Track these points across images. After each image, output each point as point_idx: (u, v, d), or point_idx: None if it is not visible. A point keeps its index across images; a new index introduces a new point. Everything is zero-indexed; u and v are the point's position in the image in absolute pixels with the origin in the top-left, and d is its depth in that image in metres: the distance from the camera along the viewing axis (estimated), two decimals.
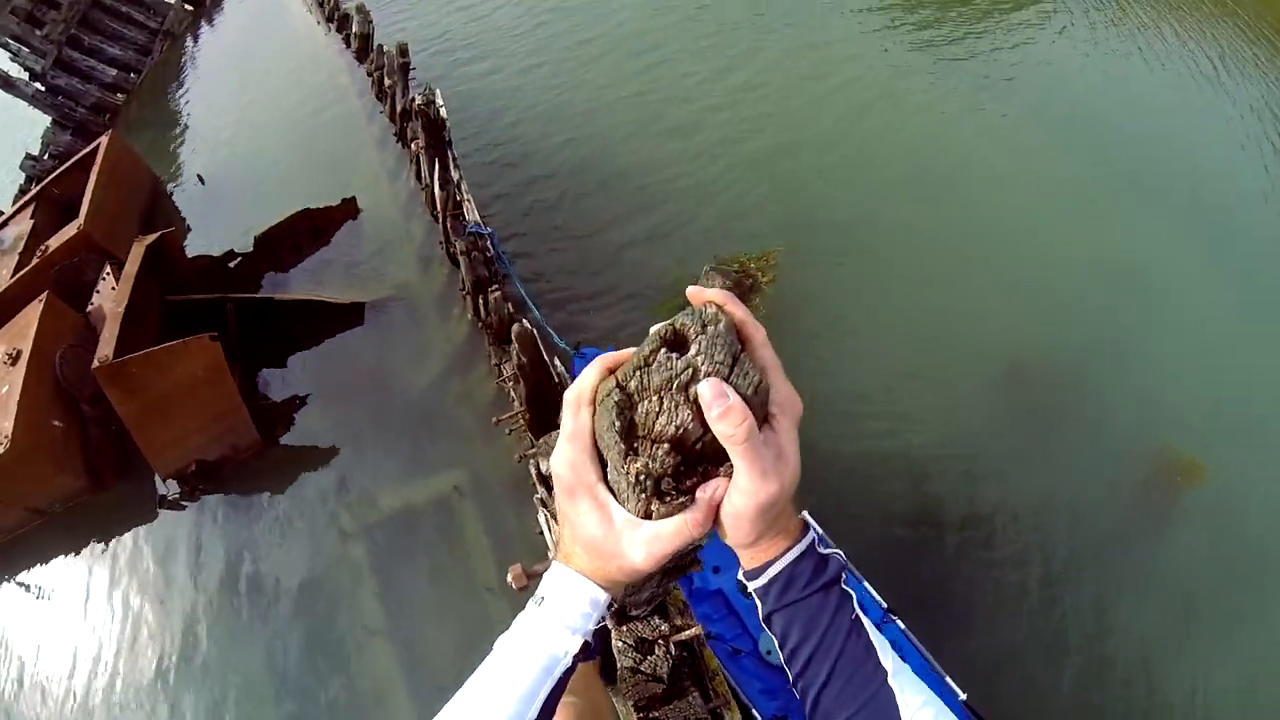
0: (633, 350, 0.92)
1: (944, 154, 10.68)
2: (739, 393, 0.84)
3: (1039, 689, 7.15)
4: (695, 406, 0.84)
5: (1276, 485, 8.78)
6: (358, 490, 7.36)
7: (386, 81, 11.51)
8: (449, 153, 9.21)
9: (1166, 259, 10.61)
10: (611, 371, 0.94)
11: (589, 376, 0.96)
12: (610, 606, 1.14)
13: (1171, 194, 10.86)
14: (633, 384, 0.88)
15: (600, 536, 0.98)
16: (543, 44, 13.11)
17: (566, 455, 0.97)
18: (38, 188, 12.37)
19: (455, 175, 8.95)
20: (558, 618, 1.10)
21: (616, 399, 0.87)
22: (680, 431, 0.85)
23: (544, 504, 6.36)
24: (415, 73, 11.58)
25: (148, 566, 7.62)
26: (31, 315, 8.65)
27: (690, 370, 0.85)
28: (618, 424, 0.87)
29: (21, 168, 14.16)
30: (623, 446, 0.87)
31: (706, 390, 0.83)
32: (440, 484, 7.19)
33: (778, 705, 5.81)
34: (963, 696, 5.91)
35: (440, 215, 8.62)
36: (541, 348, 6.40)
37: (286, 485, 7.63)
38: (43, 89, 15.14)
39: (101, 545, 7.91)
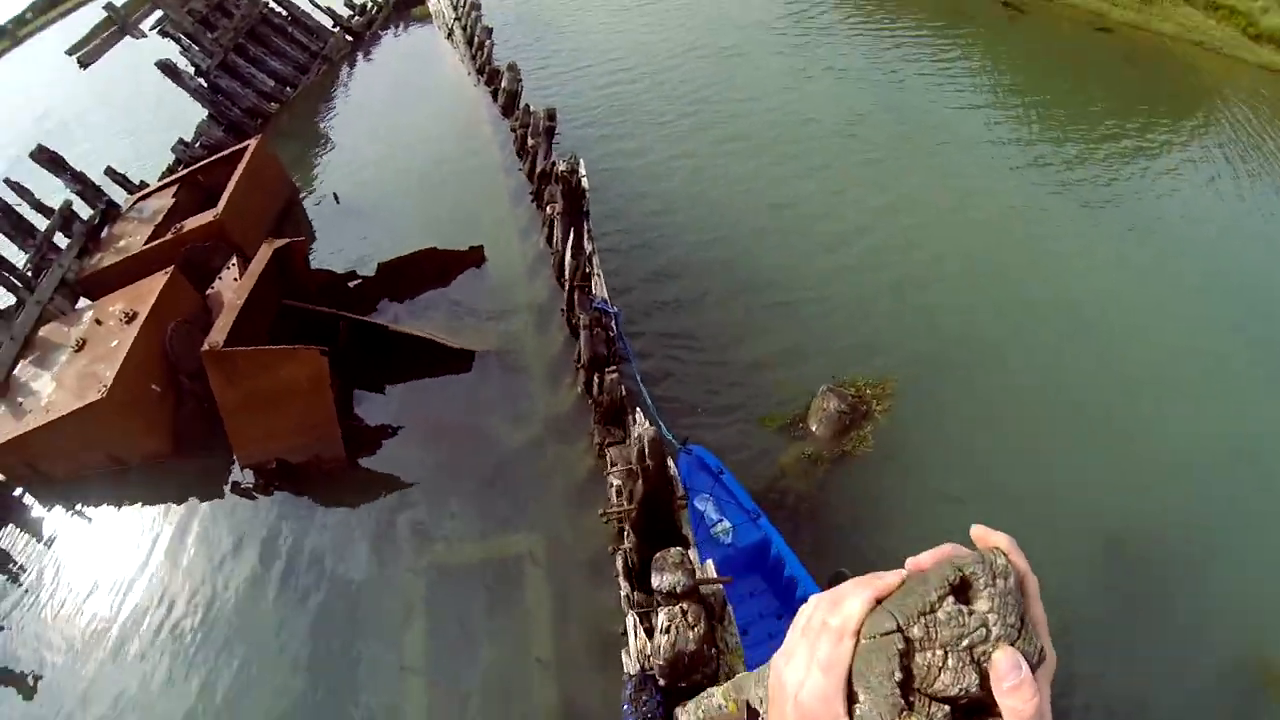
0: (894, 576, 0.87)
1: (1078, 303, 10.40)
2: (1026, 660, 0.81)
3: None
4: (981, 669, 0.81)
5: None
6: (428, 527, 7.17)
7: (530, 141, 11.85)
8: (585, 223, 9.28)
9: None
10: (878, 601, 0.86)
11: (856, 606, 0.87)
12: None
13: None
14: (915, 630, 0.83)
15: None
16: (687, 135, 13.41)
17: (819, 687, 0.89)
18: (185, 170, 13.01)
19: (589, 247, 8.98)
20: None
21: (900, 647, 0.83)
22: (963, 694, 0.81)
23: (631, 604, 5.99)
24: (559, 138, 11.91)
25: (211, 537, 7.71)
26: (155, 284, 8.95)
27: (984, 629, 0.81)
28: (898, 675, 0.83)
29: (173, 150, 14.89)
30: (899, 699, 0.83)
31: (1003, 661, 0.80)
32: (515, 544, 6.90)
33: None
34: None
35: (567, 283, 8.60)
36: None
37: (359, 504, 7.55)
38: (205, 85, 16.10)
39: (172, 505, 8.12)
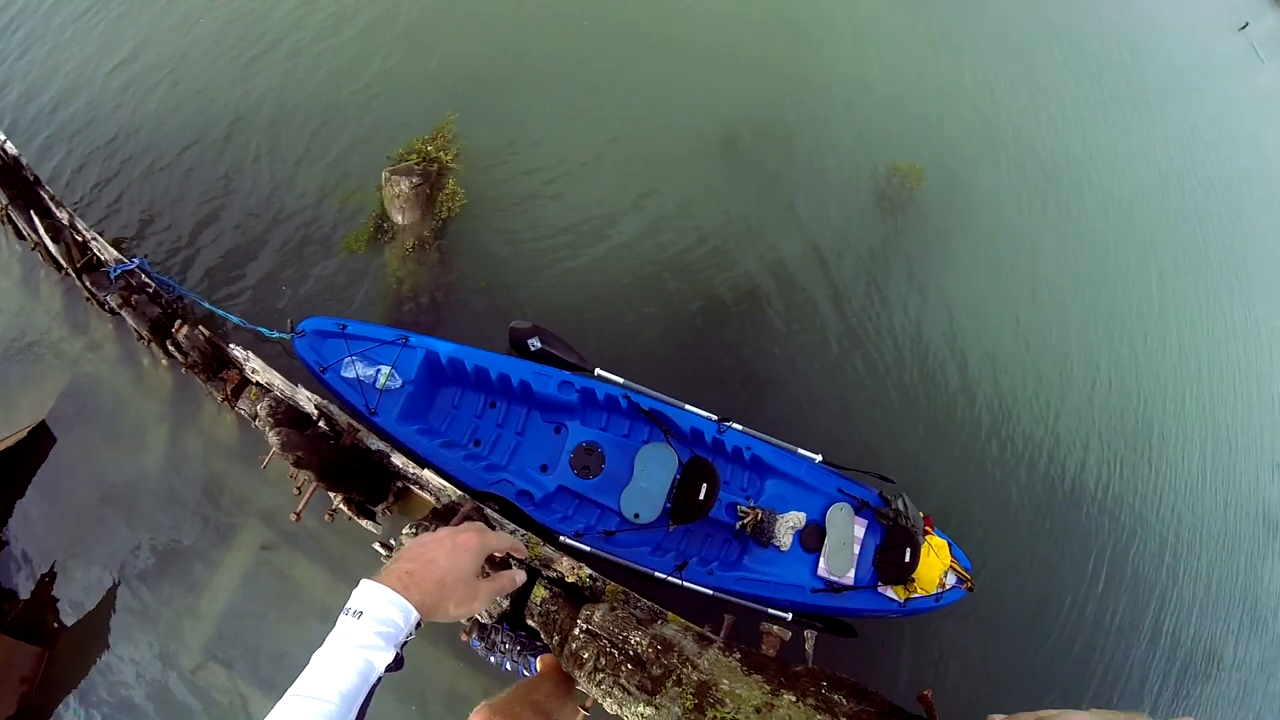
0: None
1: None
2: None
3: (862, 419, 7.91)
4: None
5: (974, 162, 9.94)
6: (180, 610, 6.38)
7: None
8: (43, 192, 7.39)
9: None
10: None
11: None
12: (419, 626, 1.63)
13: None
14: None
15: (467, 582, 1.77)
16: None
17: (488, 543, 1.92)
18: None
19: (64, 216, 7.25)
20: (376, 631, 1.53)
21: None
22: None
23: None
24: None
25: None
26: None
27: None
28: None
29: None
30: None
31: None
32: (246, 549, 6.45)
33: (673, 556, 6.00)
34: (819, 458, 6.37)
35: (71, 270, 7.04)
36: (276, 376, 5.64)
37: (106, 670, 6.23)
38: None
39: None
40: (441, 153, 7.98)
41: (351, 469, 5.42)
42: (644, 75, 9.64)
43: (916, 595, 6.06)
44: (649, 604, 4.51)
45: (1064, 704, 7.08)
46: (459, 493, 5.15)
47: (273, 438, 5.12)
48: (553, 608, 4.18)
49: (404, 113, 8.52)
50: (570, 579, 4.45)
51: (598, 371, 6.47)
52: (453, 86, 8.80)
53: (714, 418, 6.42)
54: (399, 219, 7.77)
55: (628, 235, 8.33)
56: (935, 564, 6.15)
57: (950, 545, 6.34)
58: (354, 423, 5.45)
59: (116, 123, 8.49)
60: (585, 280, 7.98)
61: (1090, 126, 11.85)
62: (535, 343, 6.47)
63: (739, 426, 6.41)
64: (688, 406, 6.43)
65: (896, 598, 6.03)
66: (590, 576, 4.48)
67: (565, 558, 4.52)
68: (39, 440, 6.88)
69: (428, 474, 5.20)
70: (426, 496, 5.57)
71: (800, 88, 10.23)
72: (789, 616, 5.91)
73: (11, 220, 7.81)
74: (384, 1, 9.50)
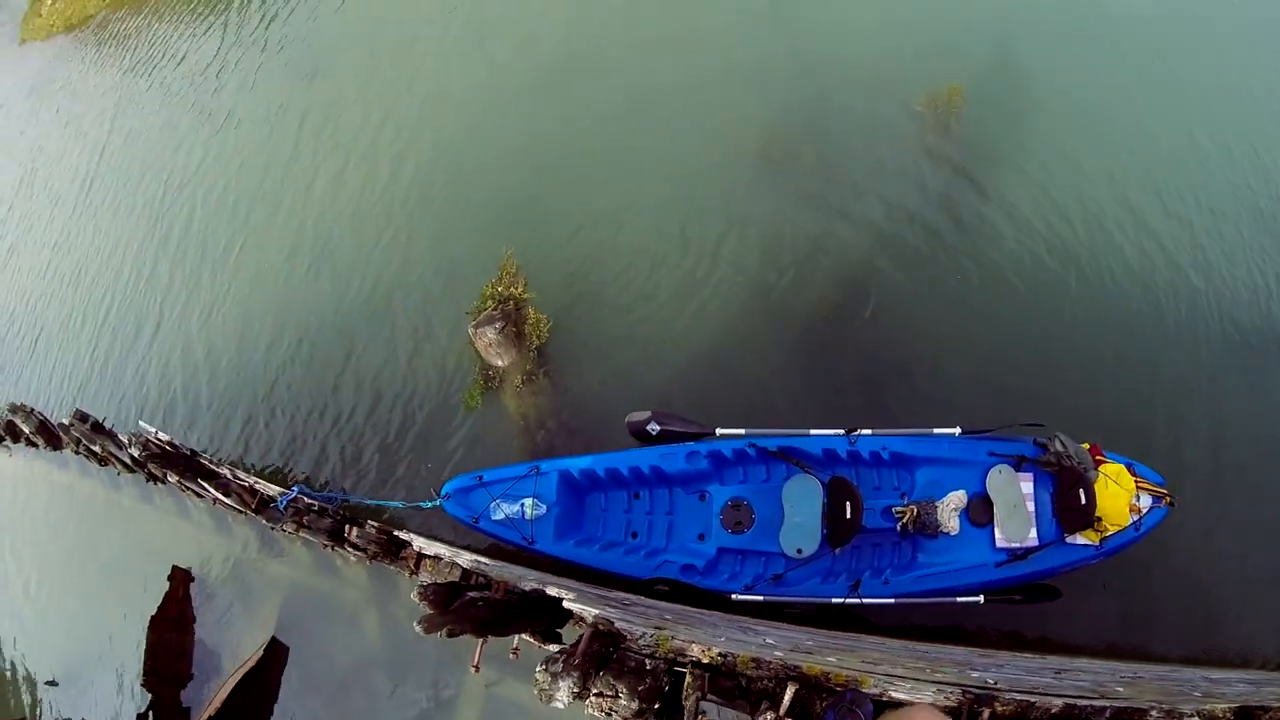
0: None
1: None
2: None
3: (989, 364, 7.60)
4: None
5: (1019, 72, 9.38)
6: None
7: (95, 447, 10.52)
8: (202, 461, 8.61)
9: None
10: None
11: None
12: None
13: None
14: None
15: None
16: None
17: None
18: None
19: (226, 472, 8.39)
20: None
21: None
22: None
23: None
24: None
25: None
26: None
27: None
28: None
29: None
30: None
31: None
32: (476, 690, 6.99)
33: (845, 578, 6.03)
34: (957, 431, 6.27)
35: (249, 510, 8.12)
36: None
37: None
38: None
39: None
40: (513, 289, 8.57)
41: (512, 614, 5.83)
42: (659, 127, 9.90)
43: (1111, 532, 5.72)
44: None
45: None
46: (593, 610, 4.92)
47: (417, 628, 5.44)
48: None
49: (465, 266, 9.29)
50: (705, 660, 4.29)
51: (718, 431, 6.71)
52: (499, 224, 9.47)
53: (841, 431, 6.46)
54: (500, 363, 8.43)
55: (706, 287, 8.58)
56: (1119, 492, 5.73)
57: (1131, 466, 5.90)
58: (504, 576, 5.91)
59: (228, 375, 9.88)
60: (683, 345, 8.30)
61: None
62: (654, 427, 6.80)
63: (868, 431, 6.41)
64: (812, 431, 6.53)
65: (1090, 542, 5.73)
66: (720, 654, 4.27)
67: (694, 644, 4.34)
68: (275, 653, 7.89)
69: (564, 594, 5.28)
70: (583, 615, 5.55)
71: (802, 76, 10.05)
72: (980, 599, 5.78)
73: (189, 488, 9.13)
74: (406, 182, 10.45)
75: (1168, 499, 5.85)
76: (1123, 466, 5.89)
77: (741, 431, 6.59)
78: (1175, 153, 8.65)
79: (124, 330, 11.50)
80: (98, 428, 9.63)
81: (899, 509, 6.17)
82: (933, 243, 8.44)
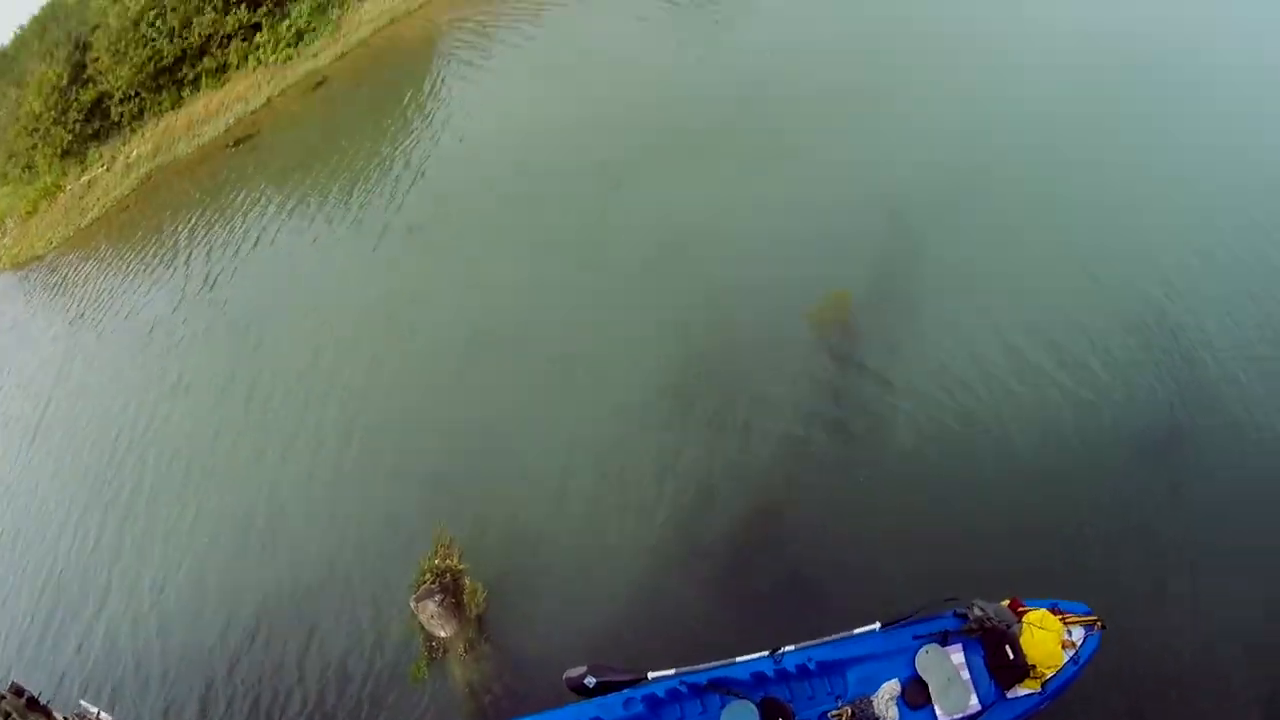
0: None
1: None
2: None
3: (891, 554, 8.13)
4: None
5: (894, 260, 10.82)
6: None
7: None
8: None
9: None
10: None
11: None
12: None
13: None
14: None
15: None
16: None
17: None
18: None
19: None
20: None
21: None
22: None
23: None
24: None
25: None
26: None
27: None
28: None
29: None
30: None
31: None
32: None
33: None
34: (877, 626, 6.44)
35: None
36: None
37: None
38: None
39: None
40: (448, 560, 9.15)
41: None
42: (575, 393, 10.95)
43: (1049, 675, 5.84)
44: None
45: None
46: None
47: None
48: None
49: (397, 546, 9.91)
50: None
51: (650, 675, 6.85)
52: (427, 500, 10.20)
53: (766, 653, 6.70)
54: (442, 633, 8.89)
55: (624, 536, 9.21)
56: (1046, 636, 5.91)
57: (1054, 606, 6.09)
58: None
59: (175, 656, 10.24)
60: (613, 593, 8.81)
61: None
62: (590, 680, 6.93)
63: (791, 647, 6.65)
64: (738, 659, 6.77)
65: (1032, 690, 5.95)
66: None
67: None
68: None
69: None
70: None
71: (705, 309, 11.29)
72: None
73: None
74: (355, 450, 11.35)
75: (1099, 624, 5.97)
76: (1044, 610, 6.05)
77: (672, 671, 6.80)
78: (1046, 292, 9.78)
79: (68, 597, 11.69)
80: (33, 704, 9.63)
81: (834, 712, 6.36)
82: (839, 440, 9.25)
